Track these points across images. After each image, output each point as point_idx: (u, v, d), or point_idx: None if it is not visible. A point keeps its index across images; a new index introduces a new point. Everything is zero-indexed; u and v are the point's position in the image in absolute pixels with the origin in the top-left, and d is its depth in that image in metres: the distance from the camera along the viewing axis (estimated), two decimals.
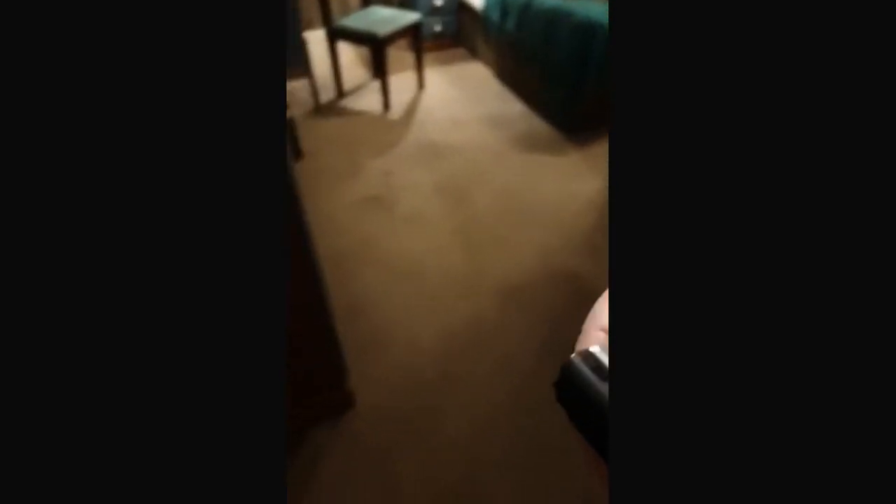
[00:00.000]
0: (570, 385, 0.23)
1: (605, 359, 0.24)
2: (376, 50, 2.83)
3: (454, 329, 1.76)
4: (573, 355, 0.24)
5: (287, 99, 2.80)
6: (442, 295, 1.88)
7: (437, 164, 2.58)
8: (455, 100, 3.14)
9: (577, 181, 2.43)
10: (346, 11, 3.60)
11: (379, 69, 2.92)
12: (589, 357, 0.24)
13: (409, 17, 2.96)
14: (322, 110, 3.05)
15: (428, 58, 3.44)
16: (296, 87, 3.20)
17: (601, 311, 0.27)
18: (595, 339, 0.25)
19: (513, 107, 3.06)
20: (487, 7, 3.17)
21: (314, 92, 3.09)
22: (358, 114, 3.03)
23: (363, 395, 1.54)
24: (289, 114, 2.49)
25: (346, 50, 3.64)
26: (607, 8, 2.38)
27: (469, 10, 3.45)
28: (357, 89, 3.26)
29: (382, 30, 2.79)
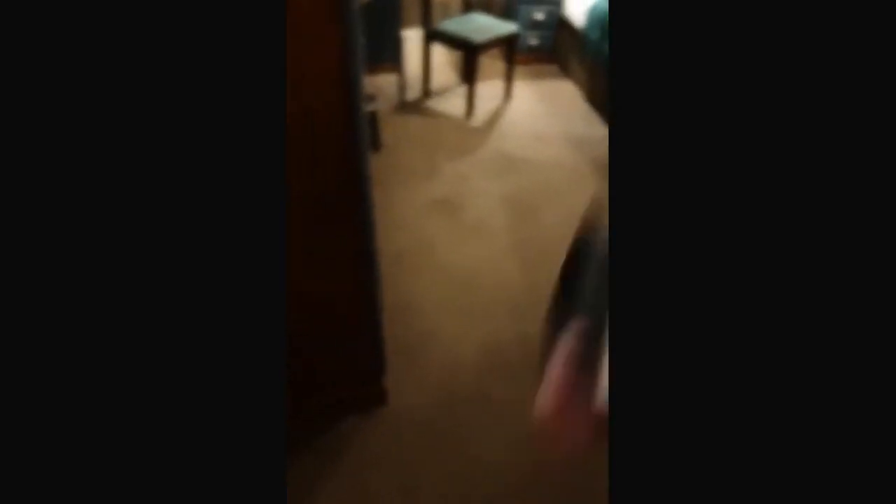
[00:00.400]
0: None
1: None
2: (469, 56, 2.83)
3: (499, 346, 1.72)
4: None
5: (374, 91, 2.86)
6: (493, 309, 1.85)
7: (511, 176, 2.55)
8: (540, 115, 3.10)
9: None
10: (447, 14, 3.64)
11: (469, 75, 2.92)
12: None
13: (507, 27, 2.95)
14: (407, 107, 3.09)
15: (519, 70, 3.42)
16: (385, 82, 3.27)
17: None
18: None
19: (598, 130, 2.98)
20: (588, 26, 3.10)
21: (402, 88, 3.14)
22: (441, 115, 3.04)
23: (396, 395, 1.54)
24: (374, 106, 2.54)
25: (439, 51, 3.68)
26: None
27: (568, 27, 3.40)
28: (444, 91, 3.28)
29: (478, 37, 2.80)
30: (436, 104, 3.15)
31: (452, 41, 2.87)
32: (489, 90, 3.28)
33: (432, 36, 2.93)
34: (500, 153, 2.72)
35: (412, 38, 3.40)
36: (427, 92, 3.19)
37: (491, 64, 3.53)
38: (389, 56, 3.12)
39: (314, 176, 1.07)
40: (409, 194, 2.40)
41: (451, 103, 3.16)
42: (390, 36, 3.06)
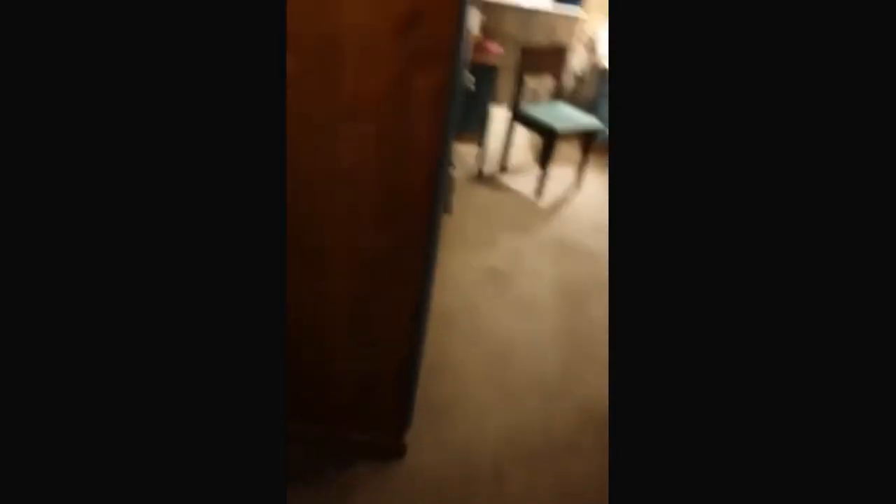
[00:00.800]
0: None
1: None
2: (548, 141, 2.98)
3: (524, 429, 1.72)
4: None
5: (454, 159, 3.02)
6: (524, 390, 1.86)
7: (566, 262, 2.60)
8: (606, 208, 3.16)
9: None
10: (536, 99, 3.85)
11: (544, 159, 3.06)
12: None
13: (589, 121, 3.09)
14: (482, 178, 3.25)
15: (594, 160, 3.53)
16: (466, 152, 3.45)
17: None
18: None
19: None
20: None
21: (480, 160, 3.31)
22: (511, 192, 3.17)
23: (413, 452, 1.56)
24: (452, 173, 2.69)
25: (521, 132, 3.86)
26: None
27: None
28: (519, 170, 3.43)
29: (560, 125, 2.94)
30: (509, 180, 3.29)
31: (535, 125, 3.03)
32: (562, 176, 3.39)
33: (518, 117, 3.11)
34: (560, 238, 2.79)
35: (498, 115, 3.60)
36: (503, 167, 3.34)
37: (567, 150, 3.67)
38: (475, 127, 3.32)
39: (390, 230, 1.18)
40: (464, 258, 2.49)
41: (523, 182, 3.28)
42: (480, 110, 3.27)
